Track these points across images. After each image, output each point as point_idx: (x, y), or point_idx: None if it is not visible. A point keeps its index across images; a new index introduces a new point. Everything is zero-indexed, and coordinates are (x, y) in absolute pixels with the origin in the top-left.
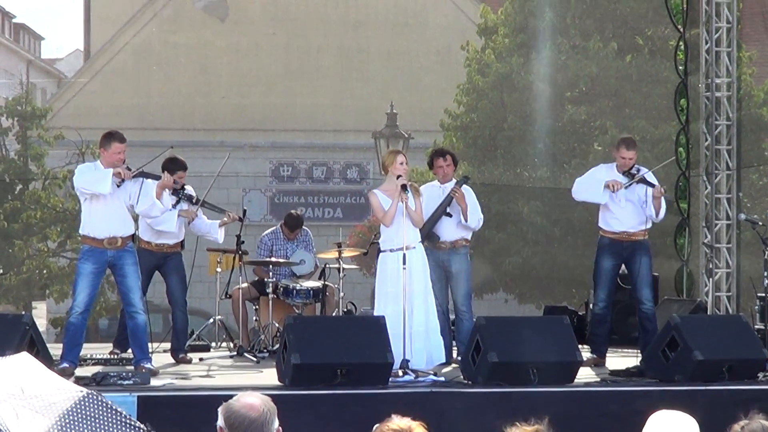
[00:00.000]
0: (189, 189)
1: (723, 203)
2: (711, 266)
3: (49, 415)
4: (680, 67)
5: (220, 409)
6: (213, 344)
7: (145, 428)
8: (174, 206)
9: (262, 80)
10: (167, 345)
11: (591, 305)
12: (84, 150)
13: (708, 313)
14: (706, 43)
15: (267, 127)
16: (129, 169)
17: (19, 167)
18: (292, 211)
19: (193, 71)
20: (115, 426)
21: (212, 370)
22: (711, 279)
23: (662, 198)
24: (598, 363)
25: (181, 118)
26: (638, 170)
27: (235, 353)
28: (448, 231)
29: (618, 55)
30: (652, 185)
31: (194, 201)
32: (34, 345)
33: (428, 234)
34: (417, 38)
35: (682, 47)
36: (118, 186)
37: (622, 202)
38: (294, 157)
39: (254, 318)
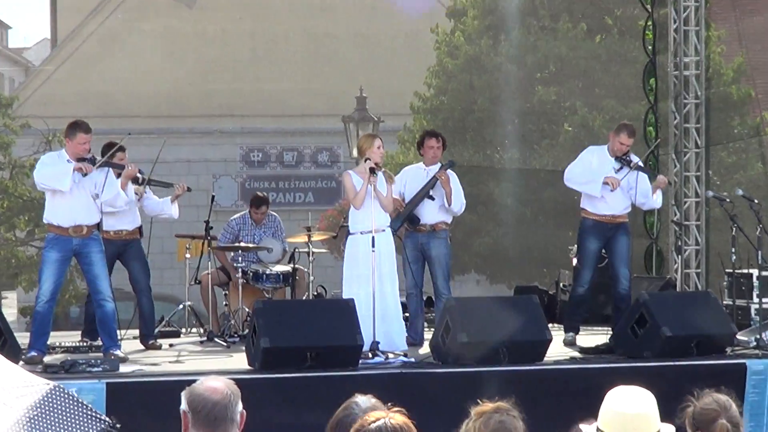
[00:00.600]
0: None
1: (692, 181)
2: (680, 243)
3: (18, 408)
4: (649, 47)
5: (183, 393)
6: (183, 330)
7: (110, 421)
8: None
9: (229, 66)
10: (137, 332)
11: (561, 284)
12: (51, 138)
13: (677, 289)
14: (675, 22)
15: (235, 112)
16: (94, 160)
17: None
18: (258, 192)
19: (160, 58)
20: (81, 419)
21: (182, 356)
22: (680, 256)
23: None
24: (576, 336)
25: (148, 105)
26: (629, 156)
27: (205, 338)
28: (429, 214)
29: (587, 35)
30: (648, 173)
31: (140, 181)
32: (1, 334)
33: (409, 216)
34: (385, 21)
35: (651, 27)
36: (84, 176)
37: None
38: (264, 142)
39: (224, 303)
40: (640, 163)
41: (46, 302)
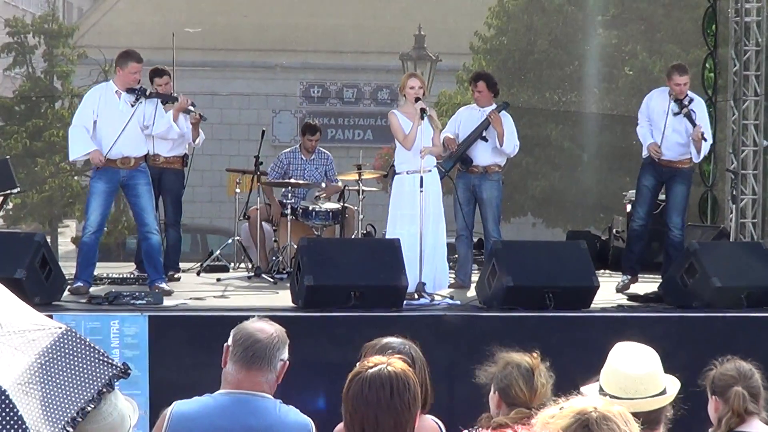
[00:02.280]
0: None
1: (750, 130)
2: (736, 193)
3: (29, 353)
4: None
5: (232, 330)
6: (232, 264)
7: (122, 367)
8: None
9: (284, 0)
10: (190, 264)
11: (615, 230)
12: (107, 68)
13: (731, 239)
14: None
15: (290, 47)
16: (144, 90)
17: (45, 85)
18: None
19: None
20: (93, 364)
21: (228, 291)
22: (736, 206)
23: (703, 140)
24: (632, 283)
25: (202, 38)
26: (690, 100)
27: (252, 274)
28: (482, 155)
29: None
30: (693, 122)
31: (147, 94)
32: (46, 264)
33: (461, 156)
34: None
35: None
36: (132, 105)
37: (667, 132)
38: (324, 78)
39: (273, 239)
40: (693, 110)
41: (93, 233)
